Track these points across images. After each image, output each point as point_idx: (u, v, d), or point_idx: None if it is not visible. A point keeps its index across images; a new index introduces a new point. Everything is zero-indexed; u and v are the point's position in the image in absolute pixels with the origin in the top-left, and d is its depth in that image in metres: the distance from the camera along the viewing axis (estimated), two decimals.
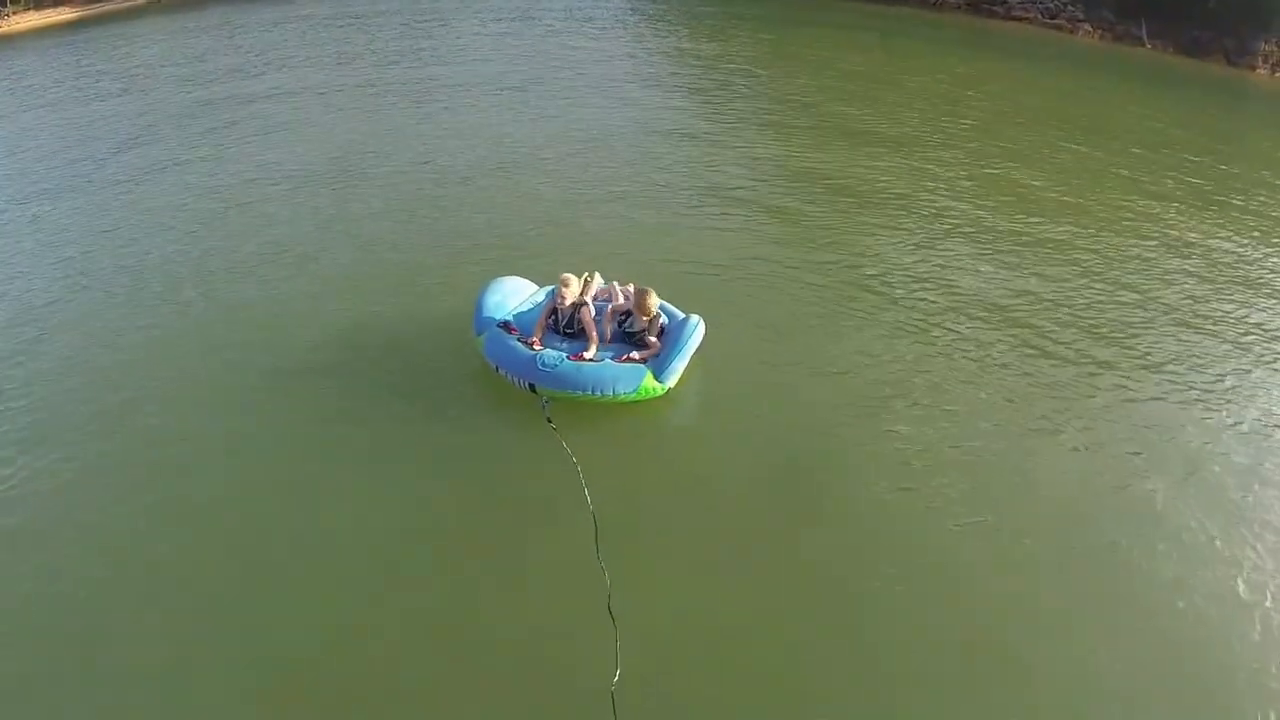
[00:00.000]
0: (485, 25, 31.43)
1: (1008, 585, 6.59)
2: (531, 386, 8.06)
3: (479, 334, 8.65)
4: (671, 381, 8.16)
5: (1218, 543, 7.01)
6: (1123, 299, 10.79)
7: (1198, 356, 9.63)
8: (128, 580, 6.60)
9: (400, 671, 5.83)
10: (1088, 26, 34.66)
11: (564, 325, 8.45)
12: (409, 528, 7.04)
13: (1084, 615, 6.40)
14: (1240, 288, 11.35)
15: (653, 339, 8.38)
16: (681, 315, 8.69)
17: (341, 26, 33.10)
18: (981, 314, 10.23)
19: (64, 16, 47.22)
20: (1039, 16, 35.75)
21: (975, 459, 7.83)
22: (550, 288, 9.16)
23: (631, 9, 34.15)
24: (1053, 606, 6.46)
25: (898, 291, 10.63)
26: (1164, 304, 10.73)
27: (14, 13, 46.49)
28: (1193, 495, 7.49)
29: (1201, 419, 8.56)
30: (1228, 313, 10.64)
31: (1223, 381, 9.21)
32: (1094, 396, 8.84)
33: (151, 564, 6.73)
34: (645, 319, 8.44)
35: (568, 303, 8.45)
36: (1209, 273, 11.68)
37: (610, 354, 8.25)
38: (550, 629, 6.12)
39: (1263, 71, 31.33)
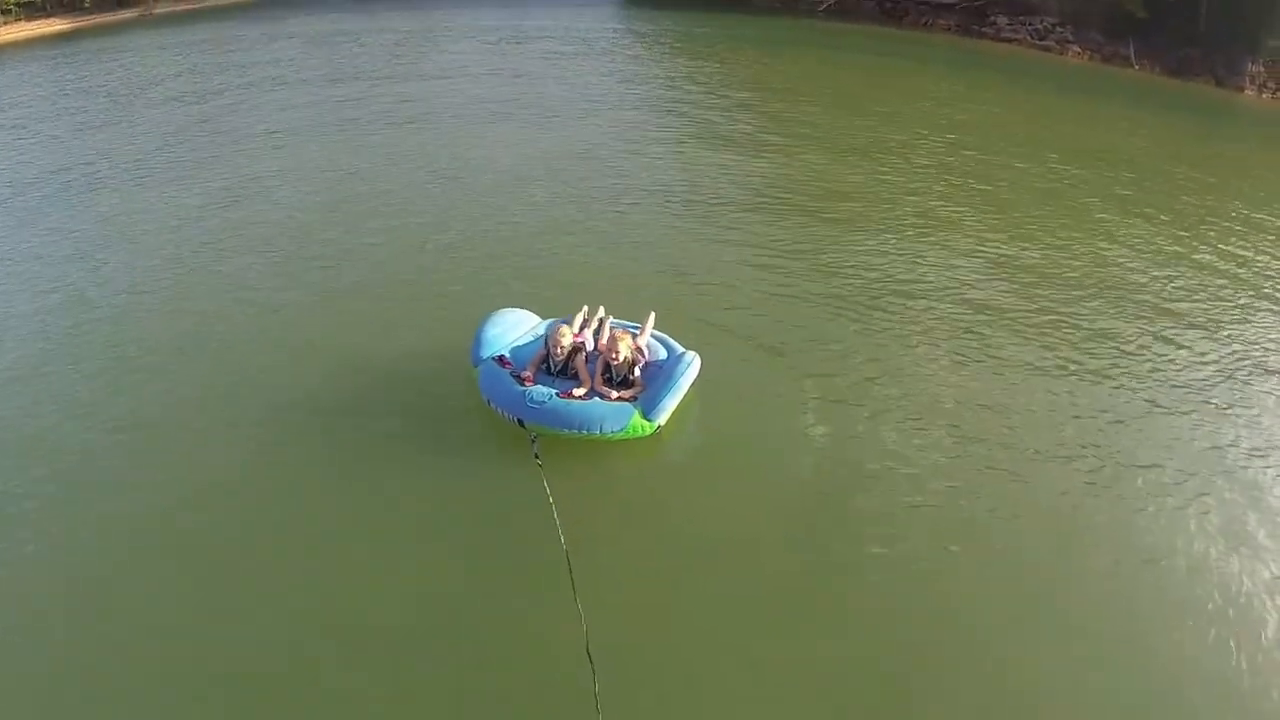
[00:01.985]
0: (479, 45, 31.52)
1: (1030, 640, 6.48)
2: (520, 422, 8.07)
3: (476, 366, 8.66)
4: (661, 419, 8.16)
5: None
6: (1142, 314, 10.96)
7: (1197, 371, 9.79)
8: (120, 614, 6.62)
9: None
10: (1076, 48, 34.93)
11: (555, 370, 8.46)
12: (381, 564, 7.06)
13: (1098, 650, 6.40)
14: (1241, 302, 11.53)
15: (635, 377, 8.36)
16: (679, 350, 8.70)
17: (333, 44, 33.16)
18: (989, 341, 10.28)
19: (54, 28, 47.33)
20: (1028, 38, 36.03)
21: (1002, 513, 7.67)
22: (551, 321, 9.22)
23: (628, 30, 34.33)
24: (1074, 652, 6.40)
25: (900, 322, 10.68)
26: (1170, 322, 10.86)
27: (4, 23, 46.64)
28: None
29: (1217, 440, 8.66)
30: (1234, 331, 10.78)
31: (1228, 398, 9.32)
32: (1106, 411, 8.94)
33: (140, 596, 6.77)
34: (616, 362, 8.34)
35: (562, 349, 8.42)
36: (1214, 289, 11.82)
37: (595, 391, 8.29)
38: (527, 671, 6.12)
39: (1250, 92, 31.59)
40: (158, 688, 6.02)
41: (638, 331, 8.92)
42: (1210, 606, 6.68)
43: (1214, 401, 9.30)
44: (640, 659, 6.17)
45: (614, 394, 8.18)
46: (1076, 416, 8.92)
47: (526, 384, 8.19)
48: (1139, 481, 8.02)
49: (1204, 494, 7.85)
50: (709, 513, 7.56)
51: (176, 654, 6.25)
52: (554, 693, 5.92)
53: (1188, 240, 13.55)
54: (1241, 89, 31.60)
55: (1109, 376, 9.64)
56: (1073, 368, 9.77)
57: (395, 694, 5.95)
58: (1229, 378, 9.73)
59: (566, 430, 7.95)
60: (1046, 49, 35.25)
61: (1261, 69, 32.08)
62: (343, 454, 8.22)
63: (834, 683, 6.12)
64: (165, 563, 7.08)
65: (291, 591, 6.80)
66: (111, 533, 7.38)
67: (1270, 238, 13.82)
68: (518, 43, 32.00)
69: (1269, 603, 6.73)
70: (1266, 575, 6.99)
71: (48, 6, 49.14)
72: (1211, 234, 13.88)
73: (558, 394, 8.05)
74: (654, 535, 7.35)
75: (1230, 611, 6.64)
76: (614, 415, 7.95)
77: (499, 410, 8.24)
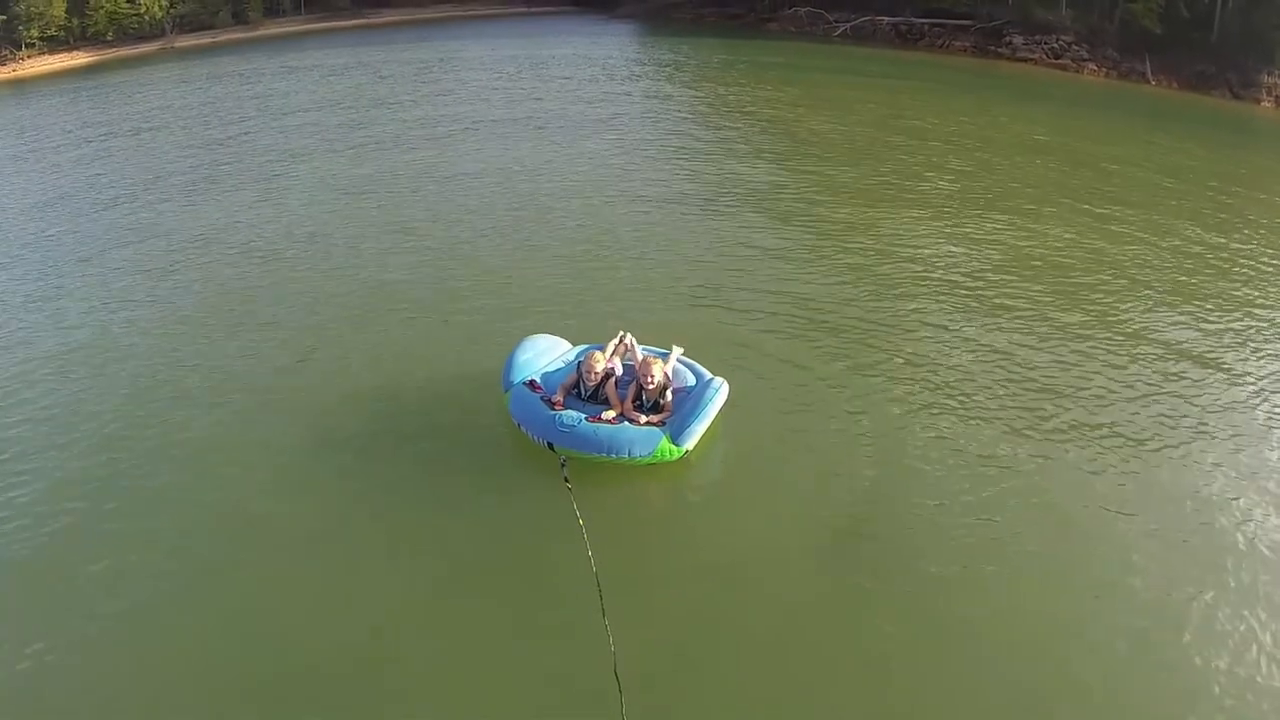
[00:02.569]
0: (500, 75, 31.96)
1: (1063, 666, 6.42)
2: (550, 445, 8.28)
3: (506, 391, 8.91)
4: (690, 444, 8.24)
5: None
6: (1179, 335, 11.07)
7: (1238, 390, 9.91)
8: (147, 638, 6.70)
9: None
10: (1092, 65, 35.09)
11: (585, 396, 8.67)
12: (411, 584, 7.15)
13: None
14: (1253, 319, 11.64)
15: (665, 402, 8.51)
16: (707, 376, 8.87)
17: (354, 75, 33.77)
18: (1023, 368, 10.30)
19: (77, 61, 48.77)
20: (1044, 56, 36.25)
21: (1030, 541, 7.60)
22: (583, 347, 9.43)
23: (650, 58, 34.76)
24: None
25: (926, 349, 10.75)
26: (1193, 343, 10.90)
27: (27, 56, 47.96)
28: None
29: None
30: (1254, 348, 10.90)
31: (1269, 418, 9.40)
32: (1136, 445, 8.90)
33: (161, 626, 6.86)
34: (651, 386, 8.47)
35: (595, 374, 8.61)
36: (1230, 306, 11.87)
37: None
38: (554, 694, 6.14)
39: (1267, 104, 31.58)
40: (186, 708, 6.12)
41: (665, 357, 9.14)
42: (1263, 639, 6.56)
43: (1258, 419, 9.35)
44: (667, 683, 6.19)
45: (643, 419, 8.31)
46: (1114, 438, 8.94)
47: (557, 408, 8.42)
48: (1180, 505, 7.97)
49: (1248, 520, 7.81)
50: (737, 537, 7.58)
51: (204, 673, 6.35)
52: (581, 715, 5.95)
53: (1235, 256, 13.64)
54: (1259, 101, 31.63)
55: (1143, 402, 9.60)
56: (1112, 392, 9.77)
57: (424, 712, 6.05)
58: (1268, 398, 9.76)
59: (596, 454, 8.08)
60: (1063, 67, 35.45)
61: (1277, 80, 32.10)
62: (375, 474, 8.35)
63: (864, 710, 6.10)
64: (195, 585, 7.18)
65: (320, 607, 6.91)
66: (138, 559, 7.48)
67: None
68: (538, 71, 32.52)
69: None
70: None
71: (70, 40, 50.80)
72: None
73: (587, 418, 8.21)
74: (682, 559, 7.39)
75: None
76: (643, 440, 8.07)
77: (529, 433, 8.43)
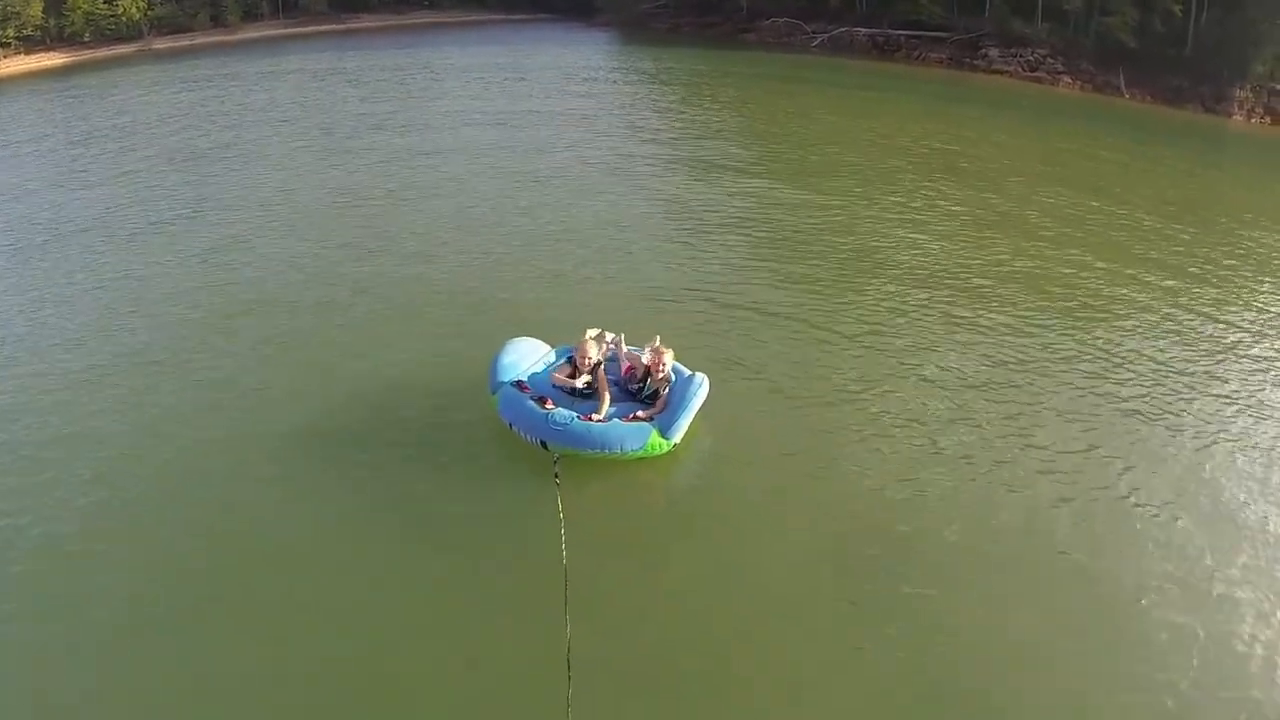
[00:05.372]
0: (480, 81, 31.98)
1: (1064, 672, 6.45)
2: (543, 443, 8.34)
3: (494, 393, 8.95)
4: (677, 438, 8.45)
5: None
6: (1154, 361, 10.99)
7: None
8: (137, 646, 6.66)
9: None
10: (1068, 78, 35.65)
11: (582, 388, 8.77)
12: (393, 570, 7.29)
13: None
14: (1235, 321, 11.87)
15: (663, 394, 8.72)
16: (687, 373, 9.01)
17: (335, 81, 33.66)
18: (999, 359, 10.57)
19: (54, 62, 48.28)
20: (1020, 69, 36.79)
21: (1015, 538, 7.68)
22: (561, 348, 9.55)
23: (631, 68, 34.95)
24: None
25: (895, 343, 10.97)
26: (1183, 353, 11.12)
27: (4, 56, 47.46)
28: None
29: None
30: (1226, 349, 11.16)
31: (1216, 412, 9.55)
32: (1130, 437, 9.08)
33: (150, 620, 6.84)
34: (659, 375, 8.78)
35: (589, 359, 8.76)
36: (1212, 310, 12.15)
37: (614, 411, 8.56)
38: (507, 676, 6.28)
39: (1239, 118, 32.19)
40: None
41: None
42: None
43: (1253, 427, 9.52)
44: (617, 673, 6.28)
45: (640, 413, 8.52)
46: (1115, 440, 9.13)
47: (548, 407, 8.49)
48: (1198, 520, 7.98)
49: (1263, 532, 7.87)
50: (716, 535, 7.70)
51: (197, 677, 6.33)
52: (529, 698, 6.07)
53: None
54: (1230, 115, 32.24)
55: (1137, 411, 9.70)
56: (1099, 393, 9.96)
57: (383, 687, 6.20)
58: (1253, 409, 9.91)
59: (589, 450, 8.19)
60: (1038, 80, 35.99)
61: (1249, 94, 32.72)
62: (363, 477, 8.37)
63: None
64: (183, 590, 7.13)
65: (308, 609, 6.94)
66: (129, 571, 7.39)
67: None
68: (520, 79, 32.60)
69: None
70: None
71: (47, 40, 50.31)
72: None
73: (579, 416, 8.33)
74: (655, 557, 7.51)
75: None
76: (633, 435, 8.21)
77: (521, 433, 8.48)
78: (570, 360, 8.96)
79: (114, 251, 14.60)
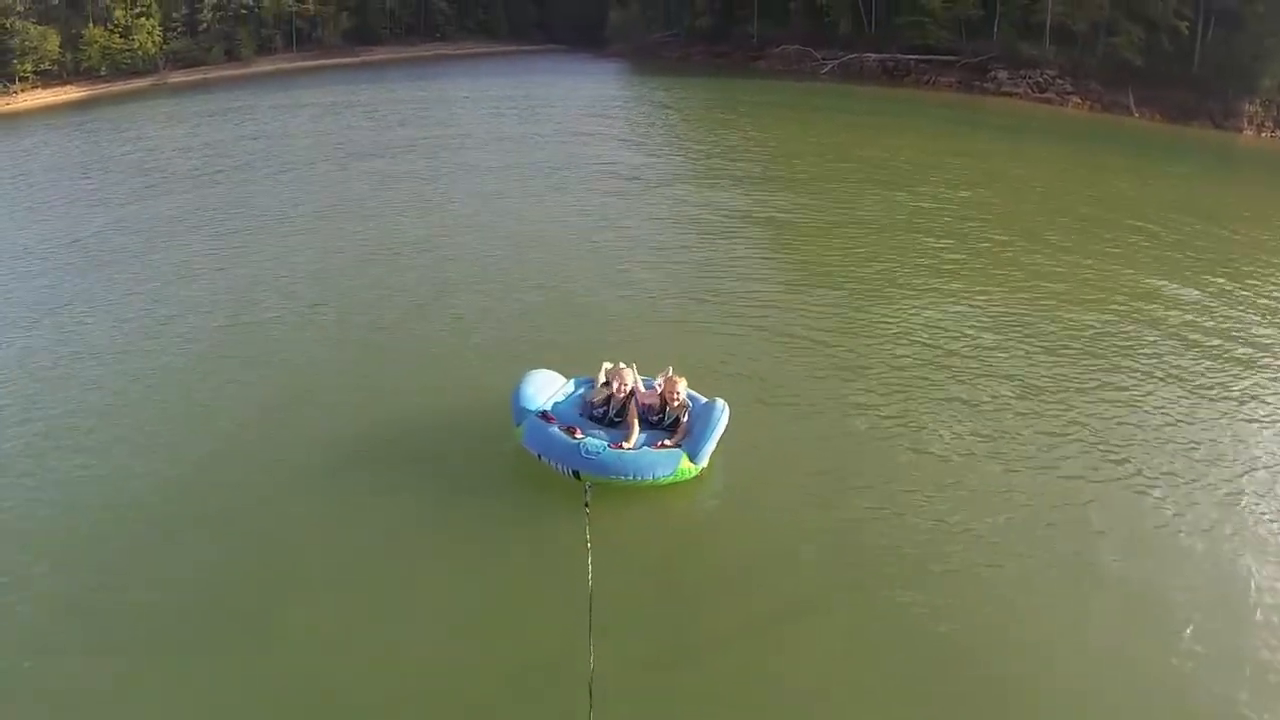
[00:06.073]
0: (492, 113, 32.24)
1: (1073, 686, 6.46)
2: (575, 473, 8.37)
3: (518, 424, 9.01)
4: (704, 462, 8.50)
5: None
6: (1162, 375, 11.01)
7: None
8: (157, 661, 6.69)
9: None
10: (1076, 99, 35.78)
11: (613, 414, 8.82)
12: (420, 595, 7.35)
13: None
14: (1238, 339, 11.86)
15: (684, 422, 8.74)
16: (704, 399, 9.08)
17: (347, 114, 33.97)
18: (989, 381, 10.56)
19: (71, 95, 49.03)
20: (1029, 91, 36.96)
21: (1034, 567, 7.56)
22: (578, 378, 9.62)
23: (642, 98, 35.19)
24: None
25: (918, 364, 10.96)
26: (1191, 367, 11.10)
27: (21, 90, 48.22)
28: None
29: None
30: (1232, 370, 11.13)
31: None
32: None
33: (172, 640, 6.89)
34: (675, 403, 8.83)
35: (626, 389, 8.87)
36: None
37: (642, 439, 8.60)
38: (530, 700, 6.29)
39: (1249, 133, 32.23)
40: None
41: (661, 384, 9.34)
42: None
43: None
44: (637, 699, 6.26)
45: (667, 440, 8.55)
46: (1115, 441, 9.20)
47: (578, 437, 8.53)
48: (1198, 540, 7.92)
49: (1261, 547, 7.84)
50: (740, 567, 7.65)
51: (214, 694, 6.39)
52: None
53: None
54: (1240, 130, 32.28)
55: (1171, 440, 9.56)
56: (1131, 423, 9.85)
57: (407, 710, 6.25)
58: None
59: (621, 478, 8.21)
60: (1047, 100, 36.14)
61: (1258, 109, 32.78)
62: (386, 505, 8.43)
63: None
64: (208, 610, 7.17)
65: (335, 630, 7.00)
66: (149, 592, 7.44)
67: None
68: (532, 111, 32.85)
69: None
70: None
71: (64, 74, 51.15)
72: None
73: (610, 444, 8.38)
74: (679, 585, 7.48)
75: None
76: (665, 461, 8.24)
77: (552, 463, 8.50)
78: (608, 384, 9.02)
79: (169, 287, 14.74)
